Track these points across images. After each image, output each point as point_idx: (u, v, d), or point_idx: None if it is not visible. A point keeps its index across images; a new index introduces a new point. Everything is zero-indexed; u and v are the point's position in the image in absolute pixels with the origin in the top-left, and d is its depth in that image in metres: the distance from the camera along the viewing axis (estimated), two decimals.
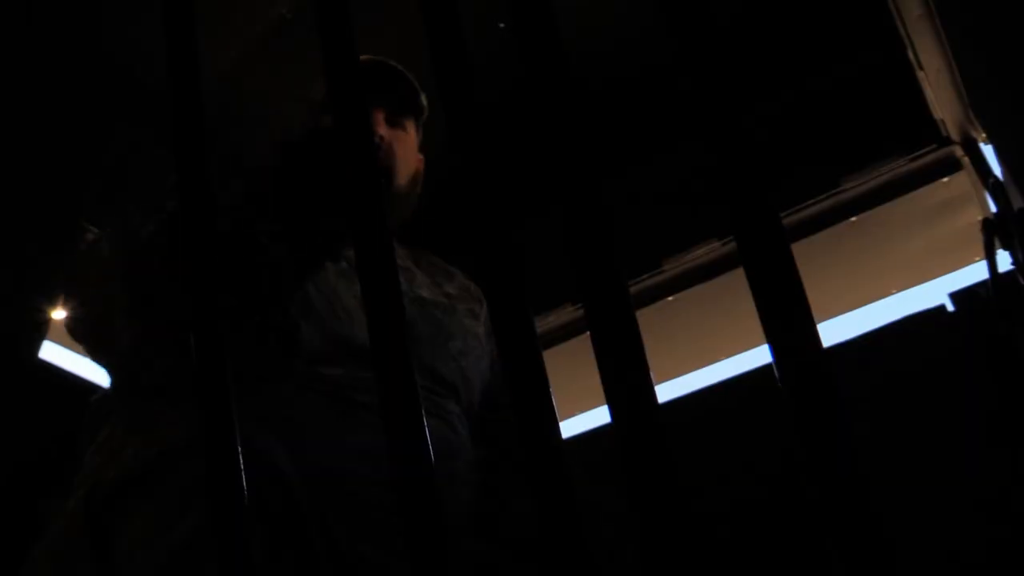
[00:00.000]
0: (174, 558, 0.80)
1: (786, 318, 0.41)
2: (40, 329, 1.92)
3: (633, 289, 2.10)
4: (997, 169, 1.77)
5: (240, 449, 0.77)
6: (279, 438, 0.88)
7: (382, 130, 1.22)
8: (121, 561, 0.84)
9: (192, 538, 0.79)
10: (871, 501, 0.38)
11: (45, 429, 1.66)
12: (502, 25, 1.87)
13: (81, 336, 1.09)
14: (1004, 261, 1.51)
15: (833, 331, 2.28)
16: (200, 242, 0.58)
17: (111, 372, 1.08)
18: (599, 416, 2.15)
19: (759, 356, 2.13)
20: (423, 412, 0.48)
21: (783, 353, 0.41)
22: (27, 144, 1.63)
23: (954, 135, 1.89)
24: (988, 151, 1.85)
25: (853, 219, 2.02)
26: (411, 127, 1.29)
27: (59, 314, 1.87)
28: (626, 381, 0.43)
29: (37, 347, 1.93)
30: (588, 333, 0.45)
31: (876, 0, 1.76)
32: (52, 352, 1.95)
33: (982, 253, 1.55)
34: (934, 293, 2.40)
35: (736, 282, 2.06)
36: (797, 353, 0.41)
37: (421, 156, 1.32)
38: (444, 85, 0.52)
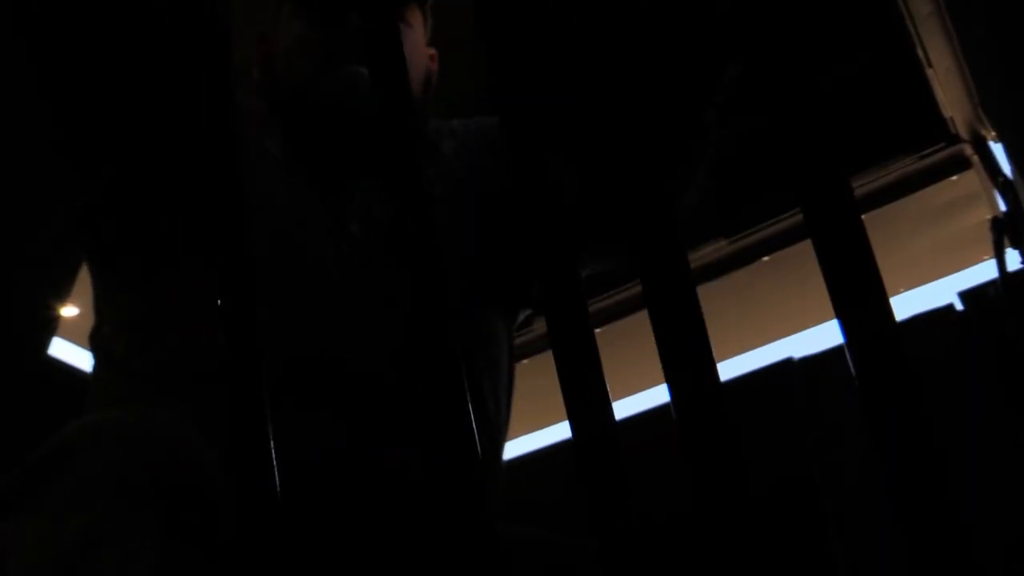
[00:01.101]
0: (62, 559, 0.72)
1: (859, 295, 0.40)
2: (49, 326, 1.92)
3: (638, 289, 2.10)
4: (1007, 167, 1.77)
5: (147, 434, 0.73)
6: (205, 432, 0.78)
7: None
8: (14, 568, 0.76)
9: (84, 538, 0.71)
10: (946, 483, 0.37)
11: (53, 427, 1.67)
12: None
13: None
14: (1013, 260, 1.51)
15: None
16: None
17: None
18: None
19: (765, 355, 2.13)
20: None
21: (855, 331, 0.40)
22: (33, 141, 1.63)
23: (963, 133, 1.88)
24: (998, 149, 1.84)
25: (861, 217, 2.01)
26: (415, 17, 1.07)
27: (68, 311, 1.88)
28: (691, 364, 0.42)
29: (46, 344, 1.93)
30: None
31: None
32: (61, 349, 1.96)
33: (991, 252, 1.55)
34: (943, 292, 2.39)
35: (743, 281, 2.06)
36: (870, 331, 0.40)
37: (433, 51, 1.11)
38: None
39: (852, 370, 0.40)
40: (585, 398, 0.43)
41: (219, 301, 0.54)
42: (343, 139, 1.02)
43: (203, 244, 0.90)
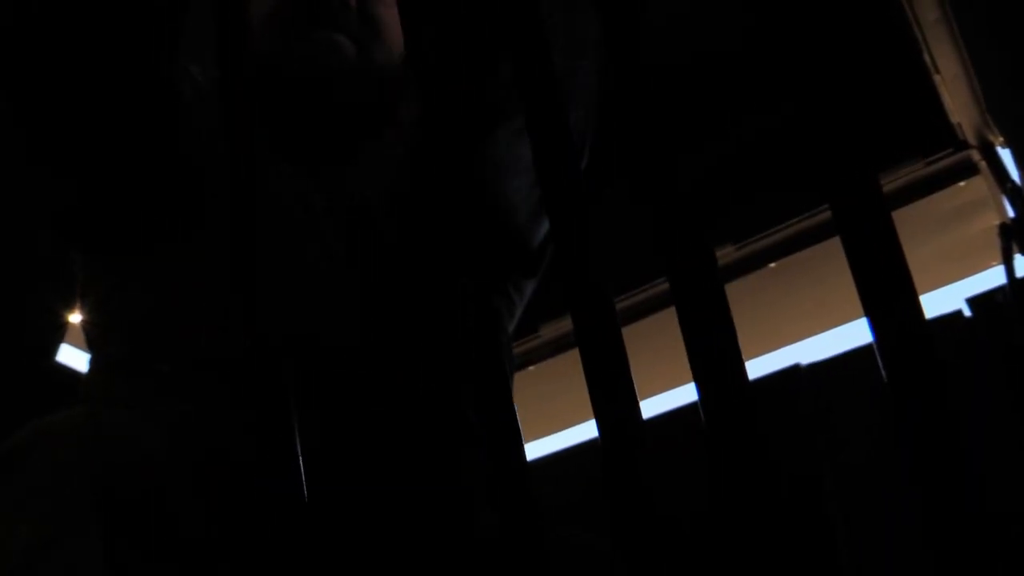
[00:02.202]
0: (10, 563, 0.69)
1: (888, 293, 0.40)
2: (58, 333, 1.93)
3: (648, 294, 2.10)
4: (1015, 173, 1.76)
5: (98, 435, 0.71)
6: (158, 424, 0.77)
7: None
8: None
9: (33, 542, 0.68)
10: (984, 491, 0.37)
11: None
12: None
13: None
14: (1022, 266, 1.51)
15: (849, 336, 2.27)
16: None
17: None
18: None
19: (771, 362, 2.12)
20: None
21: (884, 330, 0.39)
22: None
23: (971, 139, 1.88)
24: (1006, 155, 1.84)
25: None
26: None
27: (76, 318, 1.88)
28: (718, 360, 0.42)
29: (55, 351, 1.94)
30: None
31: (892, 4, 1.75)
32: (70, 356, 1.96)
33: (999, 258, 1.54)
34: (951, 298, 2.38)
35: (749, 287, 2.06)
36: (900, 330, 0.39)
37: None
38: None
39: (881, 370, 0.39)
40: (612, 398, 0.43)
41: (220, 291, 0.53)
42: (317, 111, 0.98)
43: (176, 231, 0.90)
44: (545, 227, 1.02)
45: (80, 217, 0.94)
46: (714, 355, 0.42)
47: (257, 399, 0.50)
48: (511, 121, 0.93)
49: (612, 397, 0.43)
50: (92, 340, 0.98)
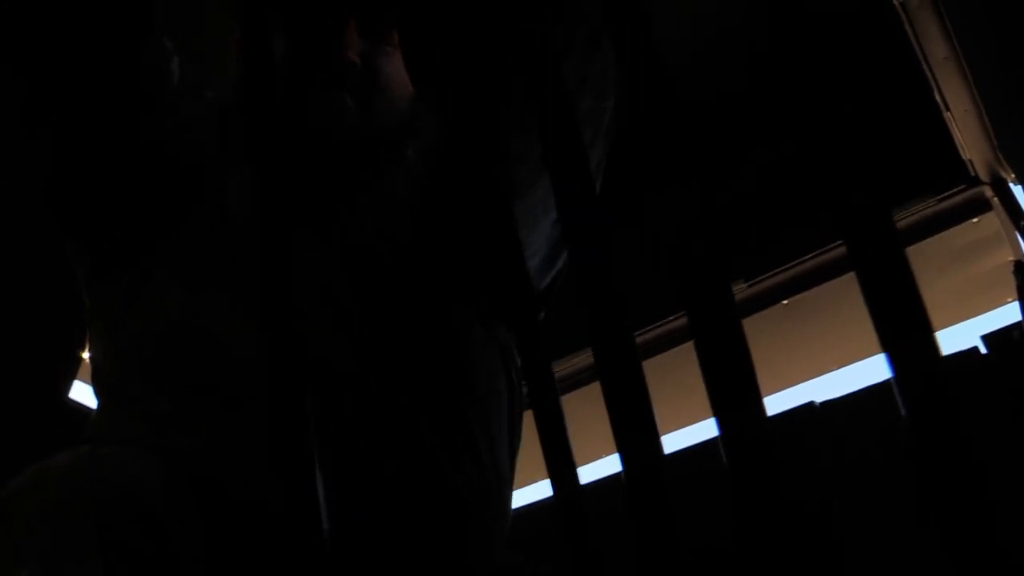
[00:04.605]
0: None
1: (905, 328, 0.40)
2: (70, 369, 1.93)
3: (656, 332, 2.09)
4: None
5: (94, 474, 0.71)
6: (159, 458, 0.77)
7: (354, 52, 0.95)
8: None
9: None
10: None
11: None
12: None
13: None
14: None
15: (863, 374, 2.25)
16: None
17: None
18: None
19: (787, 399, 2.11)
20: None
21: (902, 364, 0.39)
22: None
23: (983, 175, 1.88)
24: (1018, 191, 1.84)
25: None
26: None
27: (88, 354, 1.89)
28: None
29: (67, 387, 1.94)
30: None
31: (901, 43, 1.76)
32: (82, 392, 1.97)
33: (1014, 294, 1.53)
34: (966, 335, 2.37)
35: (763, 323, 2.05)
36: (918, 364, 0.39)
37: None
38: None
39: (900, 405, 0.40)
40: (634, 430, 0.43)
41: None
42: (318, 154, 0.97)
43: (167, 230, 0.91)
44: (555, 269, 1.02)
45: (61, 185, 0.94)
46: (733, 389, 0.42)
47: (276, 431, 0.50)
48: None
49: (635, 430, 0.43)
50: (97, 371, 0.98)
